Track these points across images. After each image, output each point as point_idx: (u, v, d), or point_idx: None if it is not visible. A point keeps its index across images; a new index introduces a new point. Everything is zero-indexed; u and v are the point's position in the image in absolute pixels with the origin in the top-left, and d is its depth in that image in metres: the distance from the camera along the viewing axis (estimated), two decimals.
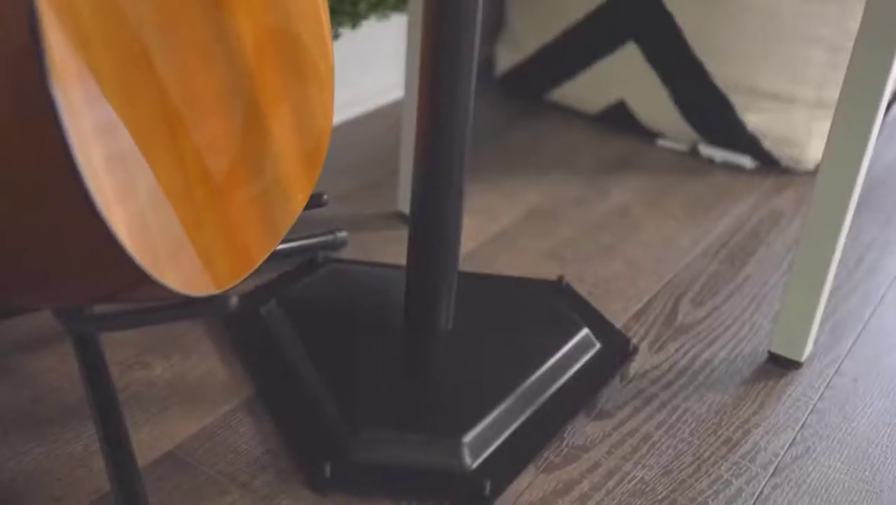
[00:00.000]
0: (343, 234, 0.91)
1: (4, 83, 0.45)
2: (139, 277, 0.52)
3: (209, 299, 0.57)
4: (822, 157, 0.74)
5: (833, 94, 1.15)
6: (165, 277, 0.52)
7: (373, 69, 1.23)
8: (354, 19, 1.15)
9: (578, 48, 1.24)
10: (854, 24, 1.11)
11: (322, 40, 0.77)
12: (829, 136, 0.73)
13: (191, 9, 0.58)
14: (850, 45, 1.11)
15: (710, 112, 1.19)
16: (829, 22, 1.11)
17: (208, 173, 0.59)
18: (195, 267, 0.56)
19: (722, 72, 1.16)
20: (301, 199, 0.72)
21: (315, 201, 0.73)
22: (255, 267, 0.64)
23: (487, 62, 1.41)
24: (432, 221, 0.75)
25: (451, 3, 0.68)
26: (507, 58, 1.33)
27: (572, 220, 1.04)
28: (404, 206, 1.00)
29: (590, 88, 1.26)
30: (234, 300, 0.57)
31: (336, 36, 1.13)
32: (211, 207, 0.59)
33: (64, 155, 0.46)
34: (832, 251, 0.77)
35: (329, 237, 0.90)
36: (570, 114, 1.31)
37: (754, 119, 1.17)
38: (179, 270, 0.54)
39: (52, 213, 0.49)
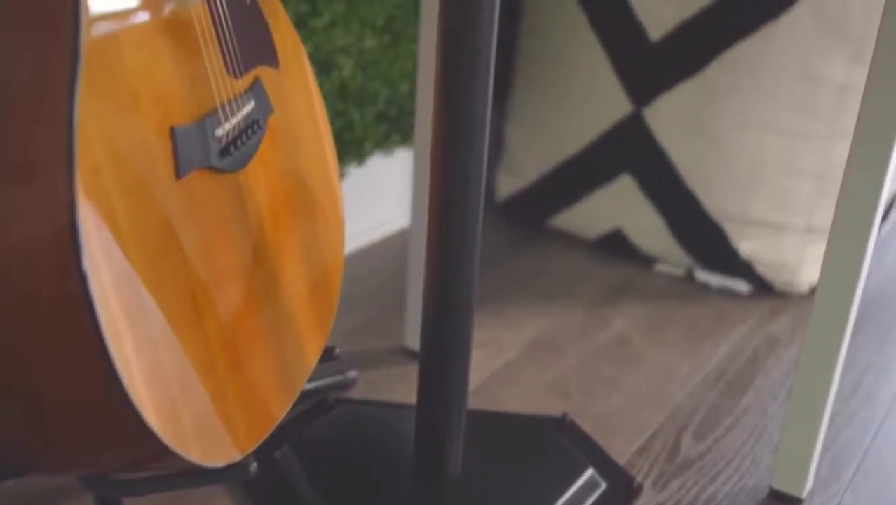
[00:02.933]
0: (353, 374, 0.94)
1: (41, 267, 0.49)
2: (163, 451, 0.54)
3: (230, 466, 0.60)
4: (818, 286, 0.77)
5: (822, 219, 1.19)
6: (189, 452, 0.55)
7: (377, 201, 1.27)
8: (360, 158, 1.20)
9: (577, 178, 1.29)
10: (840, 157, 1.16)
11: (332, 195, 0.81)
12: (823, 265, 0.76)
13: (215, 191, 0.62)
14: (837, 175, 1.16)
15: (705, 239, 1.23)
16: (815, 155, 1.16)
17: (230, 343, 0.62)
18: (219, 437, 0.59)
19: (714, 202, 1.21)
20: (315, 354, 0.76)
21: (328, 355, 0.76)
22: (275, 425, 0.67)
23: (488, 188, 1.46)
24: (442, 361, 0.78)
25: (460, 139, 0.71)
26: (507, 184, 1.38)
27: (575, 350, 1.07)
28: (411, 340, 1.03)
29: (588, 216, 1.31)
30: (253, 466, 0.60)
31: (343, 175, 1.18)
32: (233, 375, 0.62)
33: (95, 339, 0.49)
34: (829, 383, 0.80)
35: (339, 378, 0.93)
36: (570, 240, 1.35)
37: (747, 246, 1.22)
38: (203, 442, 0.57)
39: (81, 392, 0.52)
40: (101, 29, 0.51)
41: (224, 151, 0.62)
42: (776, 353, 1.10)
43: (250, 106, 0.66)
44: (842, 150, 1.16)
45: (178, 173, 0.57)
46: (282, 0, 1.02)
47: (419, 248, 0.98)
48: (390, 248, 1.28)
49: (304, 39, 1.06)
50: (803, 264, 1.21)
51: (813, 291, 1.23)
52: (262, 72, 0.70)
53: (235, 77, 0.65)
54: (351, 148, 1.18)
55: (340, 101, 1.14)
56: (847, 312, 0.77)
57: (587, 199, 1.30)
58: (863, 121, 0.72)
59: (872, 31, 1.10)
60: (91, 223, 0.49)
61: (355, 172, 1.21)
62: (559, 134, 1.29)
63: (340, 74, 1.12)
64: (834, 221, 0.75)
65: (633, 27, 1.19)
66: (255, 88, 0.68)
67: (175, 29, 0.59)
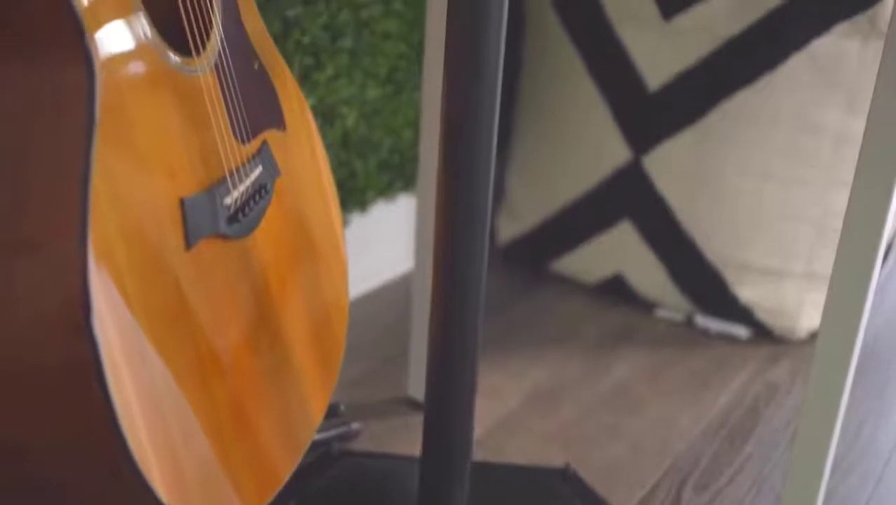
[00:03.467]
0: (356, 425, 0.95)
1: (51, 334, 0.50)
2: None
3: None
4: (819, 334, 0.77)
5: (821, 266, 1.20)
6: None
7: (380, 246, 1.28)
8: (363, 206, 1.22)
9: (577, 224, 1.31)
10: (838, 204, 1.17)
11: (337, 249, 0.82)
12: (823, 313, 0.76)
13: (222, 257, 0.63)
14: (835, 222, 1.17)
15: (704, 285, 1.24)
16: (813, 203, 1.17)
17: (237, 406, 0.63)
18: (226, 502, 0.60)
19: (713, 248, 1.22)
20: (321, 410, 0.76)
21: (333, 411, 0.77)
22: (282, 485, 0.68)
23: (489, 231, 1.47)
24: (446, 414, 0.79)
25: (463, 186, 0.72)
26: (508, 228, 1.39)
27: (575, 399, 1.08)
28: (414, 390, 1.04)
29: (588, 261, 1.32)
30: None
31: (346, 223, 1.19)
32: (240, 439, 0.63)
33: (106, 411, 0.50)
34: (831, 431, 0.80)
35: (343, 429, 0.94)
36: (570, 284, 1.36)
37: (747, 292, 1.23)
38: None
39: (91, 461, 0.52)
40: (112, 101, 0.53)
41: (232, 219, 0.63)
42: (777, 400, 1.11)
43: (258, 171, 0.67)
44: (840, 198, 1.17)
45: (188, 243, 0.58)
46: (286, 55, 1.04)
47: (422, 294, 0.99)
48: (394, 293, 1.29)
49: (309, 92, 1.07)
50: (803, 311, 1.22)
51: (812, 336, 1.24)
52: (270, 135, 0.71)
53: (243, 143, 0.67)
54: (354, 196, 1.20)
55: (344, 150, 1.16)
56: (849, 360, 0.78)
57: (587, 244, 1.31)
58: (862, 169, 0.73)
59: (866, 82, 1.12)
60: (101, 291, 0.50)
61: (358, 220, 1.22)
62: (559, 179, 1.31)
63: (344, 125, 1.14)
64: (834, 270, 0.76)
65: (632, 77, 1.20)
66: (263, 153, 0.69)
67: (185, 99, 0.60)
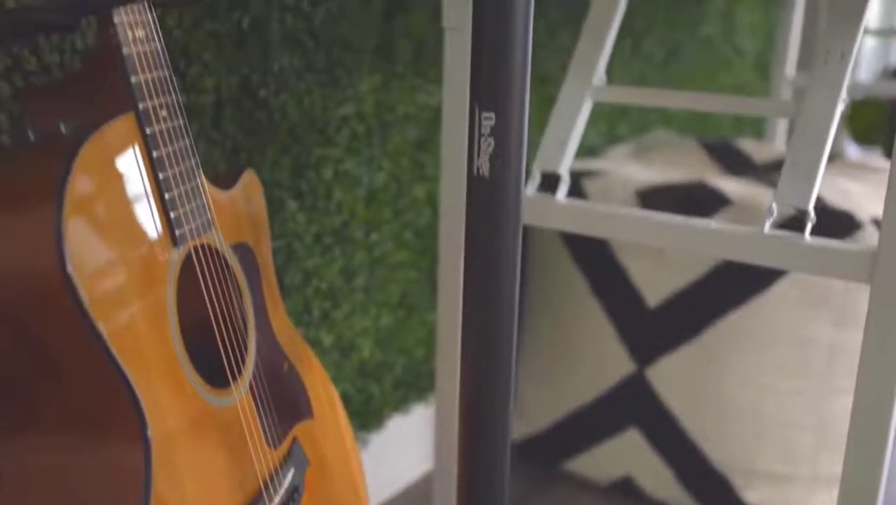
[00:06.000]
0: None
1: None
2: None
3: None
4: None
5: (827, 468, 1.25)
6: None
7: (395, 457, 1.33)
8: (380, 425, 1.27)
9: (586, 429, 1.35)
10: (836, 409, 1.22)
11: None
12: None
13: None
14: (836, 426, 1.22)
15: (712, 489, 1.28)
16: (812, 410, 1.22)
17: None
18: None
19: (719, 455, 1.26)
20: None
21: None
22: None
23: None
24: None
25: (486, 395, 0.76)
26: (520, 429, 1.43)
27: None
28: None
29: (599, 463, 1.36)
30: None
31: (364, 444, 1.24)
32: None
33: None
34: None
35: None
36: (583, 483, 1.40)
37: (754, 496, 1.26)
38: None
39: None
40: (162, 455, 0.58)
41: None
42: None
43: (290, 475, 0.73)
44: (837, 404, 1.22)
45: None
46: (306, 302, 1.11)
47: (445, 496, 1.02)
48: (411, 499, 1.33)
49: (327, 332, 1.14)
50: None
51: None
52: (299, 429, 0.77)
53: (275, 447, 0.72)
54: (371, 418, 1.25)
55: (360, 378, 1.21)
56: None
57: (596, 447, 1.35)
58: (862, 380, 0.76)
59: (851, 299, 1.18)
60: None
61: (375, 437, 1.27)
62: (568, 386, 1.36)
63: (360, 356, 1.20)
64: (843, 478, 0.78)
65: (632, 294, 1.27)
66: (294, 453, 0.75)
67: (225, 430, 0.66)
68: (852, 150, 2.52)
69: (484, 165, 0.65)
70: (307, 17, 1.00)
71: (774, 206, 0.79)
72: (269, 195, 1.02)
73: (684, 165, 1.43)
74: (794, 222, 0.80)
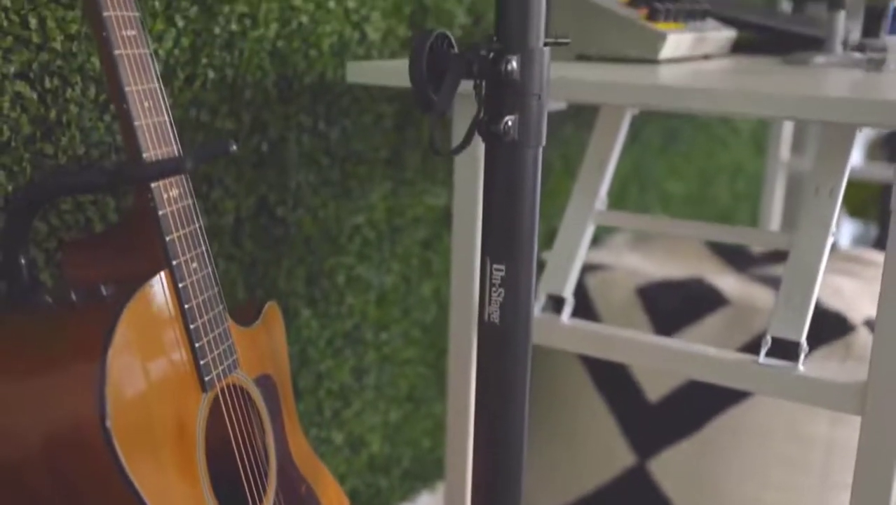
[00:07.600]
0: None
1: None
2: None
3: None
4: None
5: None
6: None
7: None
8: None
9: None
10: (837, 503, 1.25)
11: None
12: None
13: None
14: None
15: None
16: (812, 504, 1.25)
17: None
18: None
19: None
20: None
21: None
22: None
23: None
24: None
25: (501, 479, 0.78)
26: None
27: None
28: None
29: None
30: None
31: None
32: None
33: None
34: None
35: None
36: None
37: None
38: None
39: None
40: None
41: None
42: None
43: None
44: (835, 499, 1.25)
45: None
46: (318, 403, 1.14)
47: None
48: None
49: (338, 429, 1.17)
50: None
51: None
52: None
53: None
54: None
55: (369, 472, 1.25)
56: None
57: None
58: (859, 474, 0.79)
59: None
60: None
61: None
62: (572, 475, 1.39)
63: (370, 451, 1.23)
64: None
65: (633, 389, 1.31)
66: None
67: None
68: (846, 227, 2.55)
69: (495, 313, 0.69)
70: (323, 136, 1.05)
71: (769, 337, 0.83)
72: (285, 305, 1.06)
73: (684, 257, 1.47)
74: (787, 347, 0.84)
